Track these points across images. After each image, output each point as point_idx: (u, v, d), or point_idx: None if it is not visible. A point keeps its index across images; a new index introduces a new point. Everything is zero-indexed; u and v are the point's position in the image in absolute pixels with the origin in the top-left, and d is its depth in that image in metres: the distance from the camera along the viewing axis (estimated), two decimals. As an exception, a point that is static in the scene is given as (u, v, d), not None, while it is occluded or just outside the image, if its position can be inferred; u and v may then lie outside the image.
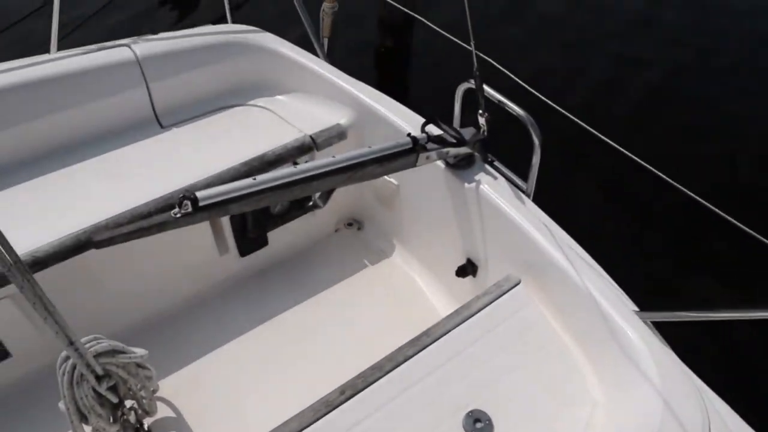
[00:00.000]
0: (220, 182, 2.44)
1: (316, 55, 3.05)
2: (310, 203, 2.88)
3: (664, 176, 1.97)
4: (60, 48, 3.01)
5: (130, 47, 2.82)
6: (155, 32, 3.19)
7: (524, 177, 2.38)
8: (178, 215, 1.68)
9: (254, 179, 1.80)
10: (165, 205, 2.33)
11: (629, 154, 2.08)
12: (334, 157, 1.98)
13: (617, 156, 2.15)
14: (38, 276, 1.69)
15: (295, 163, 2.67)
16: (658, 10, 6.90)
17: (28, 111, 2.60)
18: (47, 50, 3.07)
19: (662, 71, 5.99)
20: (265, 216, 2.78)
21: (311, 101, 2.93)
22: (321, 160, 1.96)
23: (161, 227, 1.67)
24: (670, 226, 4.35)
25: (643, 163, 2.04)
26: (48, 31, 3.06)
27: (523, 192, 2.34)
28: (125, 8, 5.92)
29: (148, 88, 2.81)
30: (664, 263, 4.14)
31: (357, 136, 2.79)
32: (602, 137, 2.18)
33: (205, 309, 2.73)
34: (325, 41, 3.18)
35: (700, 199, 1.86)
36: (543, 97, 2.36)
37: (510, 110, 2.30)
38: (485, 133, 2.38)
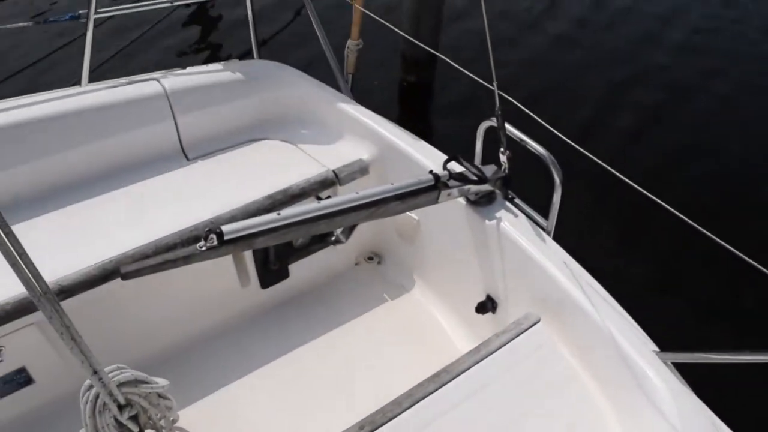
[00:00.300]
0: (244, 215, 2.48)
1: (340, 90, 3.11)
2: (333, 238, 2.91)
3: (685, 218, 1.97)
4: (91, 80, 3.10)
5: (159, 81, 2.89)
6: (184, 66, 3.28)
7: (545, 214, 2.39)
8: (204, 248, 1.71)
9: (279, 214, 1.83)
10: (190, 236, 2.37)
11: (650, 195, 2.09)
12: (357, 193, 2.01)
13: (638, 196, 2.16)
14: (63, 304, 1.73)
15: (318, 198, 2.71)
16: (681, 57, 6.87)
17: (59, 141, 2.67)
18: (79, 82, 3.16)
19: (686, 115, 5.97)
20: (287, 249, 2.81)
21: (335, 136, 2.97)
22: (344, 196, 1.99)
23: (187, 260, 1.70)
24: (692, 267, 4.32)
25: (663, 203, 2.05)
26: (80, 63, 3.15)
27: (544, 230, 2.36)
28: (155, 42, 6.07)
29: (175, 121, 2.88)
30: (686, 303, 4.11)
31: (379, 172, 2.83)
32: (622, 177, 2.19)
33: (225, 340, 2.75)
34: (349, 77, 3.24)
35: (723, 243, 1.86)
36: (564, 137, 2.39)
37: (531, 148, 2.32)
38: (506, 171, 2.40)
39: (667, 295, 4.20)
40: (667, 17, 7.56)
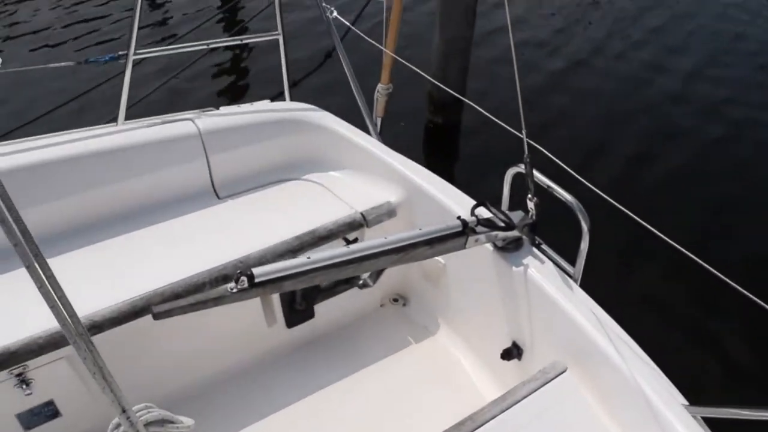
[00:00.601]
0: (273, 255, 2.51)
1: (369, 133, 3.16)
2: (360, 282, 2.93)
3: (717, 272, 1.96)
4: (128, 117, 3.18)
5: (193, 121, 2.96)
6: (217, 107, 3.35)
7: (572, 261, 2.38)
8: (235, 290, 1.74)
9: (308, 258, 1.86)
10: (219, 275, 2.41)
11: (680, 248, 2.08)
12: (385, 237, 2.03)
13: (668, 248, 2.15)
14: (93, 339, 1.75)
15: (346, 239, 2.73)
16: (715, 114, 6.81)
17: (95, 178, 2.74)
18: (116, 119, 3.24)
19: (721, 170, 5.91)
20: (313, 289, 2.83)
21: (363, 178, 3.01)
22: (373, 241, 2.01)
23: (217, 301, 1.73)
24: (725, 320, 4.25)
25: (691, 255, 2.04)
26: (118, 102, 3.24)
27: (571, 277, 2.35)
28: (190, 82, 6.25)
29: (208, 160, 2.94)
30: (718, 357, 4.03)
31: (406, 214, 2.85)
32: (651, 228, 2.18)
33: (250, 378, 2.76)
34: (378, 120, 3.29)
35: (757, 300, 1.84)
36: (592, 186, 2.39)
37: (559, 196, 2.33)
38: (534, 217, 2.41)
39: (698, 347, 4.13)
40: (703, 74, 7.51)
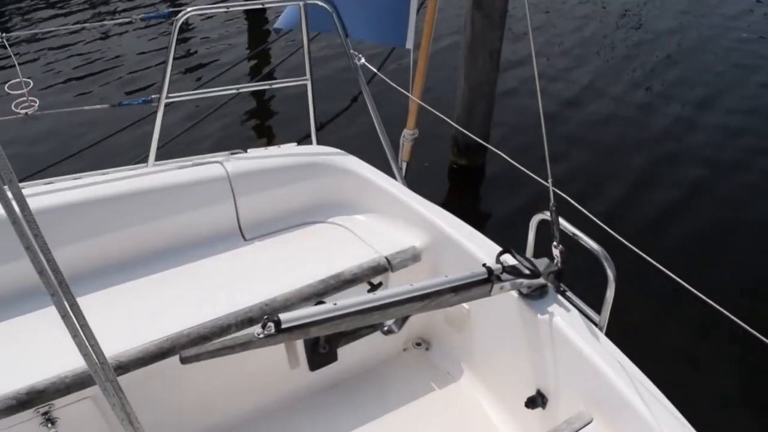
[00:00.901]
0: (298, 298, 2.53)
1: (395, 177, 3.19)
2: (385, 328, 2.93)
3: (749, 328, 1.94)
4: (158, 158, 3.25)
5: (222, 164, 3.01)
6: (245, 149, 3.42)
7: (598, 309, 2.37)
8: (261, 336, 1.75)
9: (335, 304, 1.87)
10: (245, 318, 2.42)
11: (710, 302, 2.07)
12: (411, 285, 2.04)
13: (696, 298, 2.13)
14: (119, 379, 1.77)
15: (371, 283, 2.75)
16: (745, 168, 6.71)
17: (124, 219, 2.79)
18: (146, 159, 3.32)
19: (753, 224, 5.84)
20: (337, 333, 2.83)
21: (388, 222, 3.03)
22: (398, 288, 2.02)
23: (244, 346, 1.74)
24: (753, 374, 4.16)
25: (719, 307, 2.02)
26: (149, 143, 3.32)
27: (596, 325, 2.33)
28: (220, 124, 6.41)
29: (235, 202, 2.98)
30: (747, 414, 3.94)
31: (431, 259, 2.86)
32: (678, 279, 2.17)
33: (271, 421, 2.75)
34: (404, 165, 3.32)
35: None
36: (618, 236, 2.39)
37: (584, 243, 2.33)
38: (559, 265, 2.41)
39: (727, 404, 4.05)
40: (739, 131, 7.41)
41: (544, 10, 10.74)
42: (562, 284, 2.47)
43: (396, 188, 3.05)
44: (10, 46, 3.04)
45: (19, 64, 2.98)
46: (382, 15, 3.19)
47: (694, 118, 7.46)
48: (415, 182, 3.33)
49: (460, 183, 6.29)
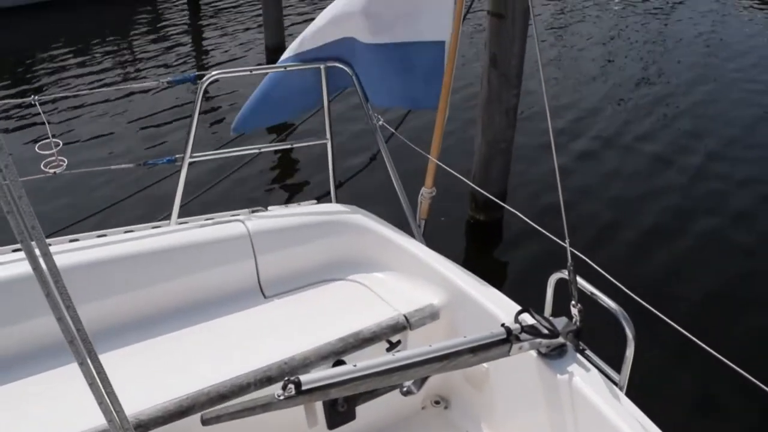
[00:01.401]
0: (316, 357, 2.54)
1: (413, 235, 3.22)
2: (404, 388, 2.92)
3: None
4: (181, 214, 3.32)
5: (243, 222, 3.07)
6: (266, 206, 3.48)
7: (617, 368, 2.36)
8: (282, 398, 1.77)
9: (355, 366, 1.89)
10: (264, 377, 2.43)
11: (726, 361, 2.05)
12: (430, 345, 2.05)
13: (715, 360, 2.12)
14: None
15: (389, 341, 2.75)
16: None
17: (146, 278, 2.84)
18: (169, 216, 3.38)
19: None
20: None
21: (406, 280, 3.05)
22: (417, 349, 2.03)
23: (265, 408, 1.76)
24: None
25: (739, 370, 2.01)
26: (171, 198, 3.39)
27: (616, 384, 2.31)
28: (241, 182, 6.56)
29: (256, 260, 3.03)
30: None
31: (449, 317, 2.86)
32: (698, 342, 2.16)
33: None
34: (422, 223, 3.36)
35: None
36: (637, 298, 2.39)
37: (603, 303, 2.34)
38: (578, 324, 2.41)
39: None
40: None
41: (558, 65, 10.93)
42: (581, 343, 2.47)
43: (414, 246, 3.08)
44: (41, 105, 3.15)
45: (48, 121, 3.08)
46: (418, 82, 3.29)
47: (707, 168, 7.48)
48: (433, 236, 3.36)
49: (479, 238, 6.31)
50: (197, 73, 3.21)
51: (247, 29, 13.04)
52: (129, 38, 12.63)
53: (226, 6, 15.19)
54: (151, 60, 11.17)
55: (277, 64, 3.49)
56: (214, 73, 3.16)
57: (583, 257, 2.49)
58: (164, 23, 13.89)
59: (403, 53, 3.25)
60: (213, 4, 15.32)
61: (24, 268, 2.63)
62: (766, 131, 8.80)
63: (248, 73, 3.45)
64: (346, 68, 3.34)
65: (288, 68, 3.41)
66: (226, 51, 11.66)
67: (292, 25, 12.22)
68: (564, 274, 2.44)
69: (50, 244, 2.99)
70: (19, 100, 3.41)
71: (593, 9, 15.11)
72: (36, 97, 3.12)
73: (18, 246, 2.49)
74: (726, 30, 13.43)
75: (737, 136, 8.42)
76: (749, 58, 11.43)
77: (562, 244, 2.44)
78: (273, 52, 10.68)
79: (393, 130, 3.64)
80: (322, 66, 3.32)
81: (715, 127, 8.59)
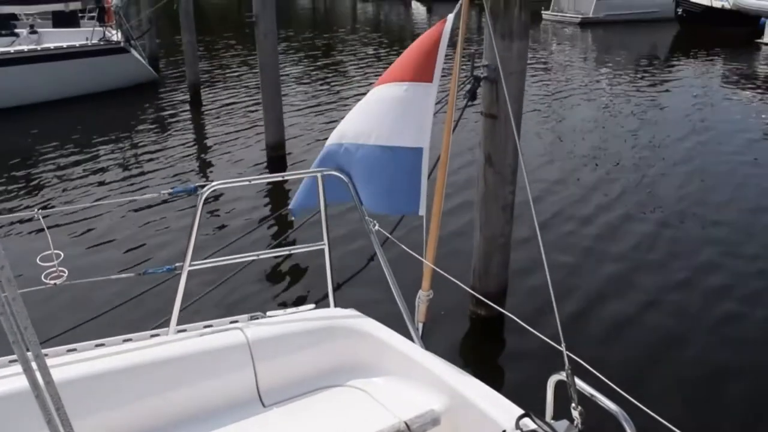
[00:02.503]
0: None
1: (412, 339, 3.22)
2: None
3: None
4: (180, 319, 3.31)
5: (242, 331, 3.08)
6: (265, 312, 3.49)
7: None
8: None
9: None
10: None
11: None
12: None
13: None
14: None
15: None
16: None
17: (145, 389, 2.83)
18: (168, 321, 3.37)
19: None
20: None
21: (406, 385, 3.03)
22: None
23: None
24: None
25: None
26: (170, 305, 3.40)
27: None
28: (240, 287, 6.59)
29: (255, 369, 3.02)
30: None
31: (450, 423, 2.83)
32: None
33: None
34: (420, 326, 3.37)
35: None
36: (637, 403, 2.38)
37: (603, 405, 2.32)
38: (579, 426, 2.38)
39: None
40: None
41: (549, 168, 11.14)
42: None
43: (413, 350, 3.07)
44: (44, 218, 3.21)
45: (49, 228, 3.16)
46: (394, 187, 3.36)
47: (699, 278, 7.33)
48: (434, 330, 3.33)
49: (480, 333, 6.24)
50: (197, 184, 3.29)
51: (248, 127, 13.41)
52: (132, 137, 13.01)
53: (228, 102, 15.70)
54: (154, 160, 11.42)
55: (276, 174, 3.59)
56: (213, 183, 3.25)
57: (580, 361, 2.49)
58: (167, 120, 14.37)
59: (386, 156, 3.34)
60: (214, 101, 15.85)
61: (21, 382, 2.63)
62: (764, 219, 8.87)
63: (247, 182, 3.54)
64: (342, 176, 3.43)
65: (285, 176, 3.51)
66: (227, 152, 11.95)
67: (290, 125, 12.56)
68: (562, 375, 2.44)
69: (47, 354, 3.01)
70: (23, 214, 3.47)
71: (587, 108, 15.64)
72: (39, 210, 3.19)
73: (14, 357, 2.51)
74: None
75: (740, 233, 8.42)
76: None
77: (558, 348, 2.44)
78: (273, 149, 11.00)
79: (388, 235, 3.70)
80: (318, 174, 3.42)
81: (720, 228, 8.57)
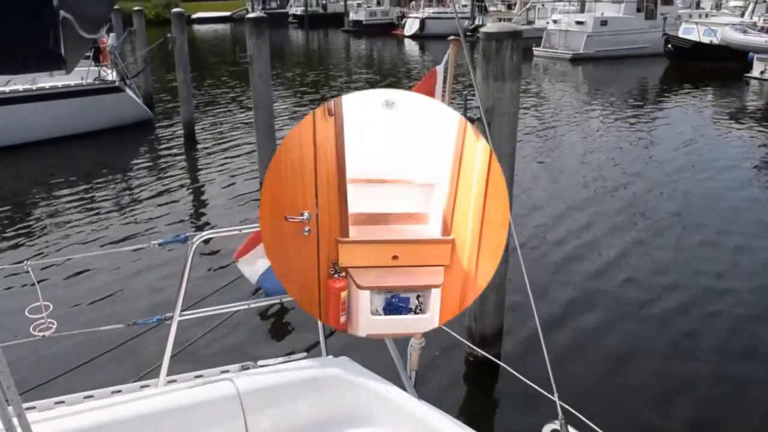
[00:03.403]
0: None
1: (404, 388, 3.18)
2: None
3: None
4: (170, 368, 3.26)
5: (233, 381, 3.04)
6: (256, 361, 3.45)
7: None
8: None
9: None
10: None
11: None
12: None
13: None
14: None
15: None
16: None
17: None
18: (159, 367, 3.32)
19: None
20: None
21: None
22: None
23: None
24: None
25: None
26: (160, 353, 3.36)
27: None
28: (230, 334, 6.57)
29: (245, 420, 2.97)
30: None
31: None
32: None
33: None
34: (413, 374, 3.33)
35: None
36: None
37: None
38: None
39: None
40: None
41: (541, 209, 11.19)
42: None
43: (406, 400, 3.03)
44: (33, 271, 3.19)
45: (39, 281, 3.14)
46: None
47: (702, 327, 7.24)
48: (431, 371, 3.29)
49: (474, 376, 6.18)
50: (187, 233, 3.29)
51: (242, 165, 13.52)
52: (126, 179, 13.07)
53: (222, 139, 15.79)
54: (147, 202, 11.42)
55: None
56: (204, 233, 3.24)
57: (573, 411, 2.48)
58: (161, 159, 14.47)
59: None
60: (208, 138, 15.94)
61: None
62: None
63: (237, 232, 3.53)
64: None
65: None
66: (221, 190, 11.98)
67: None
68: (556, 424, 2.42)
69: (35, 407, 2.96)
70: (14, 266, 3.46)
71: (578, 143, 15.79)
72: (29, 263, 3.17)
73: None
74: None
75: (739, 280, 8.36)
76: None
77: (551, 398, 2.42)
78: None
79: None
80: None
81: (718, 278, 8.44)
